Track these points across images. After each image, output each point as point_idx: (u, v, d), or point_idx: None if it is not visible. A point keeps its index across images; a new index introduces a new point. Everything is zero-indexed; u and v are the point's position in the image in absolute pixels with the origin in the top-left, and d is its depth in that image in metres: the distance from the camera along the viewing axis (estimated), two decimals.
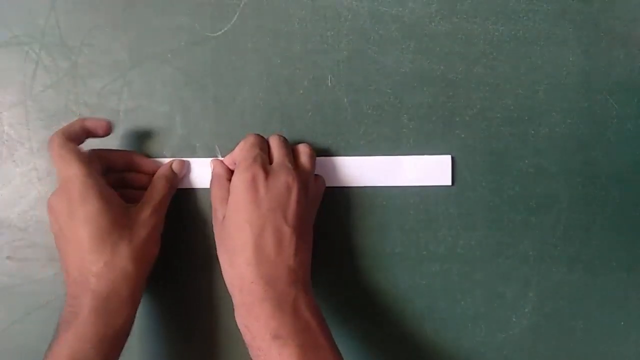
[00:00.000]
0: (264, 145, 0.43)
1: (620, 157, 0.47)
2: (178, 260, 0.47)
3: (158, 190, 0.43)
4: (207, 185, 0.45)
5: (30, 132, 0.47)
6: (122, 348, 0.40)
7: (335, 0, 0.47)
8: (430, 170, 0.46)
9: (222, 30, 0.47)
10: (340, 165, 0.46)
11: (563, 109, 0.47)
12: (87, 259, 0.39)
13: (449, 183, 0.46)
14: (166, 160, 0.46)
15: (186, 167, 0.46)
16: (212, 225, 0.43)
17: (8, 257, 0.47)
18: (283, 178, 0.40)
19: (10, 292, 0.47)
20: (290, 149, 0.44)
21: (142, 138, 0.47)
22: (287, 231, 0.39)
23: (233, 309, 0.39)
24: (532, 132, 0.47)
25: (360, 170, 0.47)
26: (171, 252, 0.46)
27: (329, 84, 0.47)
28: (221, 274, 0.41)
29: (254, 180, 0.40)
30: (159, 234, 0.43)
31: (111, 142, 0.47)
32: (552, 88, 0.47)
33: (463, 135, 0.47)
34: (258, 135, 0.44)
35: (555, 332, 0.47)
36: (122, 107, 0.47)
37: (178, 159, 0.46)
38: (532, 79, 0.47)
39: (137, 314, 0.41)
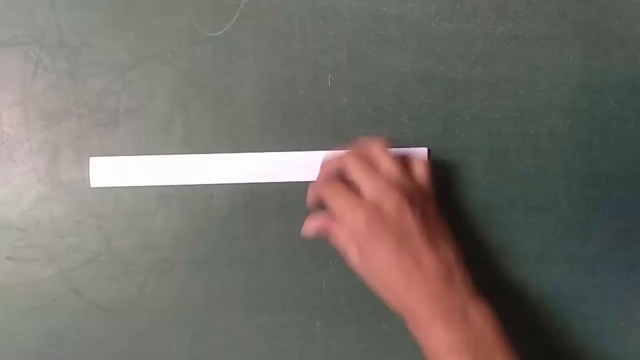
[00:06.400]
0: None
1: (620, 157, 0.47)
2: (180, 259, 0.47)
3: None
4: (212, 181, 0.45)
5: (30, 132, 0.47)
6: None
7: (335, 0, 0.47)
8: None
9: (222, 30, 0.47)
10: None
11: (563, 109, 0.47)
12: None
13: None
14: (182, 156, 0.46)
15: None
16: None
17: (8, 257, 0.47)
18: (389, 203, 0.39)
19: (10, 292, 0.47)
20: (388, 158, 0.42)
21: (142, 138, 0.47)
22: (421, 249, 0.39)
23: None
24: (532, 132, 0.47)
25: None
26: (172, 250, 0.46)
27: (329, 84, 0.47)
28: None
29: (370, 220, 0.39)
30: None
31: (111, 142, 0.47)
32: (552, 88, 0.47)
33: (463, 135, 0.47)
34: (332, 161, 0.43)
35: (555, 332, 0.47)
36: (122, 107, 0.47)
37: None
38: (532, 79, 0.47)
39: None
